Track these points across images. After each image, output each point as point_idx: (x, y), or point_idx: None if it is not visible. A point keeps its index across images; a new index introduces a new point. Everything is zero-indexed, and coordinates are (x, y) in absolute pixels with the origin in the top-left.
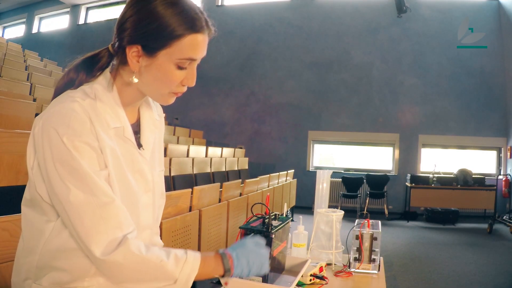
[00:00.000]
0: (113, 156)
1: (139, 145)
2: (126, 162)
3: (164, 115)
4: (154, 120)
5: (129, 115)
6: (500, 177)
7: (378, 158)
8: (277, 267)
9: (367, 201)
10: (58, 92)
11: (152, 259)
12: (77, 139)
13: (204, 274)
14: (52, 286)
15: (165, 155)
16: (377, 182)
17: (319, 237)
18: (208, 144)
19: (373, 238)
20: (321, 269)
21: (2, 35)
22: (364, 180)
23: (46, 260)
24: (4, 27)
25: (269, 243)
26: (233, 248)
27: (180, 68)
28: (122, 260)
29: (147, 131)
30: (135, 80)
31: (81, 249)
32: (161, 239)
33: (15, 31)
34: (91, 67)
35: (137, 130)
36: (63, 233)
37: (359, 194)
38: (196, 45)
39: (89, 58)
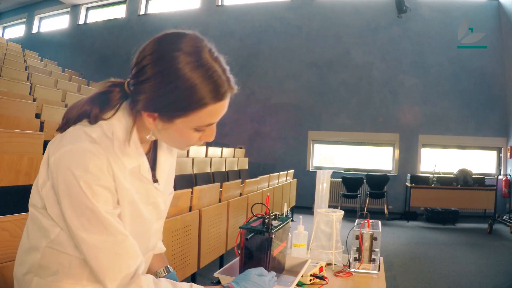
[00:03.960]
0: (127, 194)
1: (155, 180)
2: (140, 197)
3: None
4: (170, 149)
5: (144, 146)
6: (500, 177)
7: (378, 158)
8: (277, 267)
9: (367, 201)
10: (70, 121)
11: None
12: (94, 183)
13: None
14: (55, 283)
15: None
16: (377, 182)
17: (319, 237)
18: (208, 144)
19: (373, 238)
20: (321, 269)
21: (2, 35)
22: (364, 180)
23: (49, 260)
24: (4, 27)
25: (269, 243)
26: (237, 281)
27: (197, 131)
28: None
29: (164, 162)
30: (152, 138)
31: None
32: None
33: (15, 31)
34: (104, 103)
35: (152, 163)
36: (69, 242)
37: (359, 194)
38: (215, 113)
39: (102, 94)
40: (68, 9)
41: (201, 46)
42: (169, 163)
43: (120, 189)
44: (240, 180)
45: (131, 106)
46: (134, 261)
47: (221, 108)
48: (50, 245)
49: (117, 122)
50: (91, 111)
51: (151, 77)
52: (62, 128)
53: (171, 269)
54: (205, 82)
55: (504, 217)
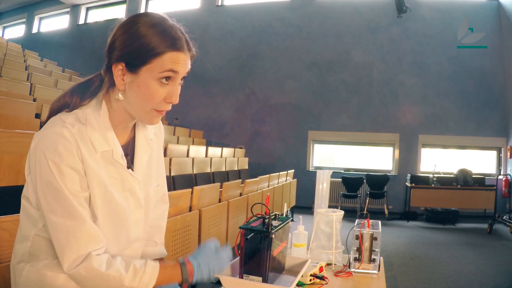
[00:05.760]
0: (95, 177)
1: (129, 166)
2: (114, 182)
3: (163, 132)
4: (148, 140)
5: (122, 136)
6: (500, 177)
7: (378, 158)
8: (277, 267)
9: (367, 201)
10: (53, 113)
11: (111, 273)
12: (62, 163)
13: (164, 282)
14: (44, 270)
15: (165, 155)
16: (377, 182)
17: (319, 237)
18: (208, 144)
19: (373, 238)
20: (321, 269)
21: (2, 35)
22: (364, 180)
23: (38, 247)
24: (4, 27)
25: (269, 243)
26: (195, 256)
27: (161, 84)
28: (84, 273)
29: (141, 151)
30: (121, 97)
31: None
32: None
33: (15, 31)
34: (84, 92)
35: (128, 151)
36: None
37: (359, 194)
38: (176, 61)
39: (83, 83)
40: (68, 9)
41: (165, 17)
42: (147, 155)
43: (88, 172)
44: (240, 180)
45: (105, 91)
46: (91, 244)
47: (180, 59)
48: (39, 233)
49: (90, 110)
50: (71, 101)
51: (119, 37)
52: (46, 120)
53: None
54: (164, 33)
55: (504, 217)
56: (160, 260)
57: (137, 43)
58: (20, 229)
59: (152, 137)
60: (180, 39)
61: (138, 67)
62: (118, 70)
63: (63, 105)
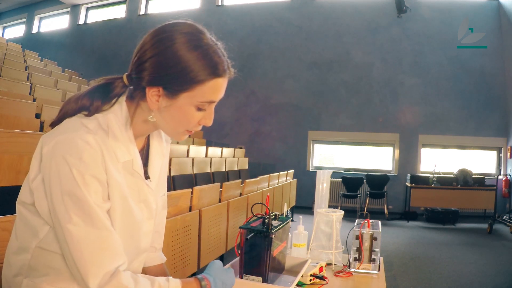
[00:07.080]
0: (118, 189)
1: (147, 177)
2: (132, 193)
3: (170, 139)
4: (162, 148)
5: (137, 143)
6: (500, 177)
7: (378, 158)
8: (277, 267)
9: (367, 201)
10: (66, 116)
11: None
12: (87, 173)
13: None
14: (45, 286)
15: None
16: (377, 182)
17: (319, 237)
18: (208, 144)
19: (373, 238)
20: (321, 269)
21: (2, 35)
22: (364, 180)
23: (39, 261)
24: (4, 27)
25: (269, 243)
26: (209, 272)
27: (199, 109)
28: None
29: (156, 160)
30: (153, 119)
31: (74, 276)
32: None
33: (15, 31)
34: (105, 95)
35: (144, 160)
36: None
37: (359, 194)
38: (218, 89)
39: (103, 85)
40: (68, 9)
41: (201, 30)
42: (160, 163)
43: (111, 183)
44: (240, 180)
45: (130, 97)
46: (117, 259)
47: (221, 86)
48: (40, 245)
49: (113, 115)
50: (92, 105)
51: (153, 56)
52: (57, 122)
53: None
54: (206, 58)
55: (504, 217)
56: (159, 266)
57: (176, 68)
58: (17, 239)
59: (165, 144)
60: (222, 63)
61: (177, 93)
62: (153, 92)
63: (80, 108)
